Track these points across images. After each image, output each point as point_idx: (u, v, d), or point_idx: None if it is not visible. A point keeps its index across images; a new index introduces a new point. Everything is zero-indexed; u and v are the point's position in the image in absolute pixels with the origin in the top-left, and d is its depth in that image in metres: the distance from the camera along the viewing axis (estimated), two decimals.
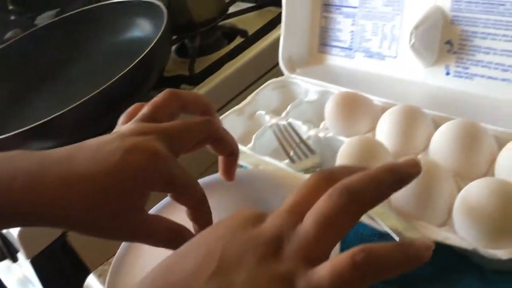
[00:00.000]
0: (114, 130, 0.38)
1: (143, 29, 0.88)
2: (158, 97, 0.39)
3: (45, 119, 0.65)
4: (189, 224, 0.38)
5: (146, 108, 0.38)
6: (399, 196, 0.42)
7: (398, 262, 0.25)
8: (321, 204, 0.27)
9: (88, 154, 0.34)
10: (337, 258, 0.25)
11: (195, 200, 0.37)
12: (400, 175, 0.29)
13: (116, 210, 0.34)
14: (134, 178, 0.34)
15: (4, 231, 0.65)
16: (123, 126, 0.38)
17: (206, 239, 0.28)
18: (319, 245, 0.26)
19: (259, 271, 0.25)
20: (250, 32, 0.86)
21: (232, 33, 0.90)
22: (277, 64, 0.78)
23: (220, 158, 0.42)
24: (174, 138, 0.36)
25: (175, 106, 0.39)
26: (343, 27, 0.61)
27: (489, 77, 0.49)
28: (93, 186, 0.33)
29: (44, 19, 1.17)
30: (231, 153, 0.41)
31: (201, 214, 0.38)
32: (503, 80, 0.48)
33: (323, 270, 0.25)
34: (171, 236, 0.36)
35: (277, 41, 0.82)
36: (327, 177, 0.29)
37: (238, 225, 0.28)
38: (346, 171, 0.30)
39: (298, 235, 0.26)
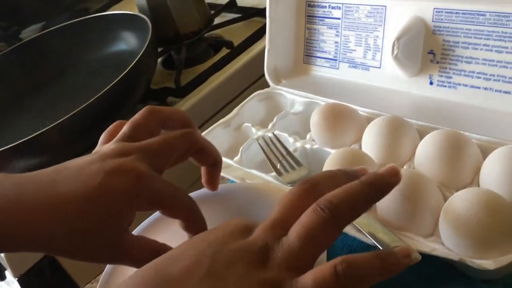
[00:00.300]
0: (95, 150, 0.38)
1: (128, 42, 0.88)
2: (137, 115, 0.39)
3: (31, 136, 0.64)
4: (176, 241, 0.38)
5: (126, 127, 0.38)
6: (386, 208, 0.42)
7: (378, 271, 0.27)
8: (305, 218, 0.28)
9: (69, 177, 0.34)
10: (320, 267, 0.26)
11: (185, 212, 0.37)
12: (380, 187, 0.31)
13: (99, 234, 0.33)
14: (118, 201, 0.33)
15: None
16: (103, 146, 0.38)
17: (197, 244, 0.29)
18: (303, 256, 0.28)
19: (248, 276, 0.27)
20: (236, 43, 0.87)
21: (218, 44, 0.90)
22: (263, 74, 0.78)
23: (203, 169, 0.42)
24: (155, 156, 0.36)
25: (155, 123, 0.39)
26: (327, 38, 0.62)
27: (472, 86, 0.50)
28: (75, 210, 0.33)
29: (29, 32, 1.17)
30: (214, 163, 0.41)
31: (194, 224, 0.38)
32: (486, 89, 0.49)
33: (307, 278, 0.26)
34: (155, 257, 0.36)
35: (263, 51, 0.82)
36: (309, 189, 0.31)
37: (228, 235, 0.29)
38: (328, 179, 0.31)
39: (283, 247, 0.28)
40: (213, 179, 0.42)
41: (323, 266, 0.26)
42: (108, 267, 0.47)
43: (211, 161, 0.41)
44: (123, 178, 0.34)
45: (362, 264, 0.27)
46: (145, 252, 0.35)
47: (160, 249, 0.36)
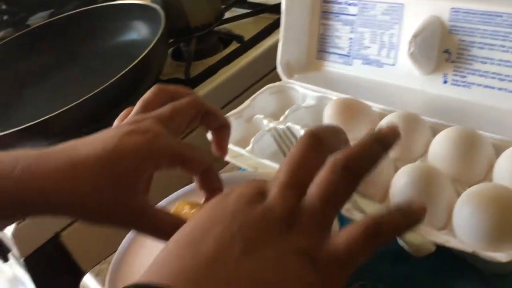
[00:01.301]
0: None
1: (139, 32, 0.88)
2: (147, 94, 0.40)
3: (40, 119, 0.64)
4: None
5: (137, 105, 0.40)
6: (399, 199, 0.42)
7: (401, 227, 0.28)
8: (324, 178, 0.28)
9: (88, 143, 0.35)
10: (352, 229, 0.27)
11: (205, 167, 0.38)
12: (387, 142, 0.31)
13: (118, 192, 0.34)
14: (134, 158, 0.34)
15: None
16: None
17: (220, 217, 0.28)
18: (326, 216, 0.28)
19: (282, 248, 0.26)
20: (246, 38, 0.87)
21: (228, 38, 0.91)
22: (273, 70, 0.78)
23: (212, 135, 0.42)
24: (169, 121, 0.37)
25: (164, 100, 0.39)
26: (342, 34, 0.62)
27: (486, 86, 0.50)
28: (94, 168, 0.33)
29: (37, 19, 1.17)
30: (222, 126, 0.42)
31: (212, 180, 0.39)
32: (500, 89, 0.50)
33: (339, 241, 0.27)
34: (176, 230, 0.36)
35: (272, 47, 0.83)
36: (315, 145, 0.30)
37: (246, 203, 0.28)
38: (330, 135, 0.31)
39: (306, 209, 0.28)
40: (223, 144, 0.42)
41: (353, 228, 0.27)
42: (119, 249, 0.48)
43: (219, 123, 0.41)
44: (142, 136, 0.35)
45: (390, 223, 0.27)
46: (167, 221, 0.35)
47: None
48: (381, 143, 0.30)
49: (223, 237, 0.27)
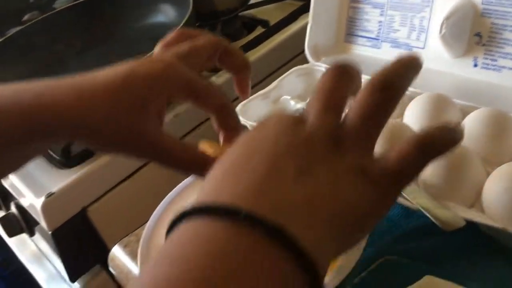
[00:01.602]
0: None
1: (167, 14, 0.89)
2: (169, 36, 0.39)
3: None
4: None
5: (158, 46, 0.39)
6: (429, 177, 0.43)
7: (449, 142, 0.28)
8: (364, 98, 0.28)
9: (103, 72, 0.34)
10: (403, 144, 0.27)
11: (220, 102, 0.37)
12: (414, 66, 0.30)
13: (129, 120, 0.33)
14: (146, 84, 0.34)
15: (27, 203, 0.66)
16: None
17: (262, 144, 0.27)
18: (369, 134, 0.28)
19: (333, 164, 0.26)
20: (271, 23, 0.87)
21: (253, 23, 0.91)
22: (298, 55, 0.79)
23: (234, 78, 0.41)
24: (185, 57, 0.37)
25: (184, 40, 0.39)
26: (371, 18, 0.63)
27: None
28: (106, 95, 0.33)
29: (62, 3, 1.18)
30: (243, 66, 0.41)
31: (228, 118, 0.38)
32: None
33: (391, 156, 0.27)
34: (198, 161, 0.34)
35: (297, 32, 0.83)
36: (343, 73, 0.31)
37: (286, 128, 0.28)
38: (353, 67, 0.31)
39: (348, 129, 0.28)
40: (245, 86, 0.41)
41: (404, 143, 0.27)
42: (151, 219, 0.48)
43: (239, 63, 0.40)
44: (156, 64, 0.34)
45: (439, 137, 0.27)
46: (186, 151, 0.34)
47: (205, 156, 0.35)
48: (409, 66, 0.30)
49: (272, 160, 0.26)
